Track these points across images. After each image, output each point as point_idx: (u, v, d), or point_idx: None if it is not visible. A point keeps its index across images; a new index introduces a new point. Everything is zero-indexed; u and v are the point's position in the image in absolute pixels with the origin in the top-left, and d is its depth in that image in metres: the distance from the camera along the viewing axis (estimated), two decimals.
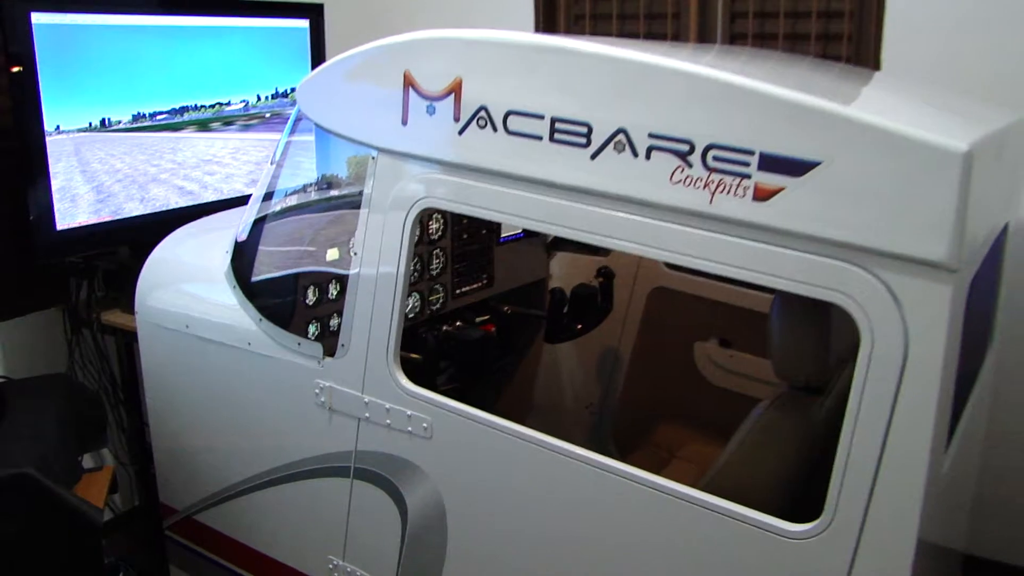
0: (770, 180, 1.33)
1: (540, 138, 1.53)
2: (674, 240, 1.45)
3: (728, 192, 1.37)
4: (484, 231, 2.67)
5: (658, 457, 2.73)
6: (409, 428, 1.85)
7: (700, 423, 2.73)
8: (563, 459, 1.65)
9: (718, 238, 1.41)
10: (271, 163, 2.12)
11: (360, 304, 1.88)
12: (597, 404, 3.06)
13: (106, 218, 2.74)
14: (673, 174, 1.41)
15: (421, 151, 1.71)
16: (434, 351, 2.16)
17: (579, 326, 2.66)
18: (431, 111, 1.66)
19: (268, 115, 3.23)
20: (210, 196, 3.03)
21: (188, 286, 2.36)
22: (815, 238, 1.33)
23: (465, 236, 2.61)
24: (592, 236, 1.54)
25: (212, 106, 3.02)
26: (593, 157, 1.48)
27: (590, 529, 1.69)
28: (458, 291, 2.61)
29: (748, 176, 1.35)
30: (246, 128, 3.15)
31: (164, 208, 2.89)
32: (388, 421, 1.88)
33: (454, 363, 2.23)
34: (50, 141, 2.55)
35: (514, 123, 1.56)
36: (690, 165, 1.39)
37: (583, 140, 1.48)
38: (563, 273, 2.98)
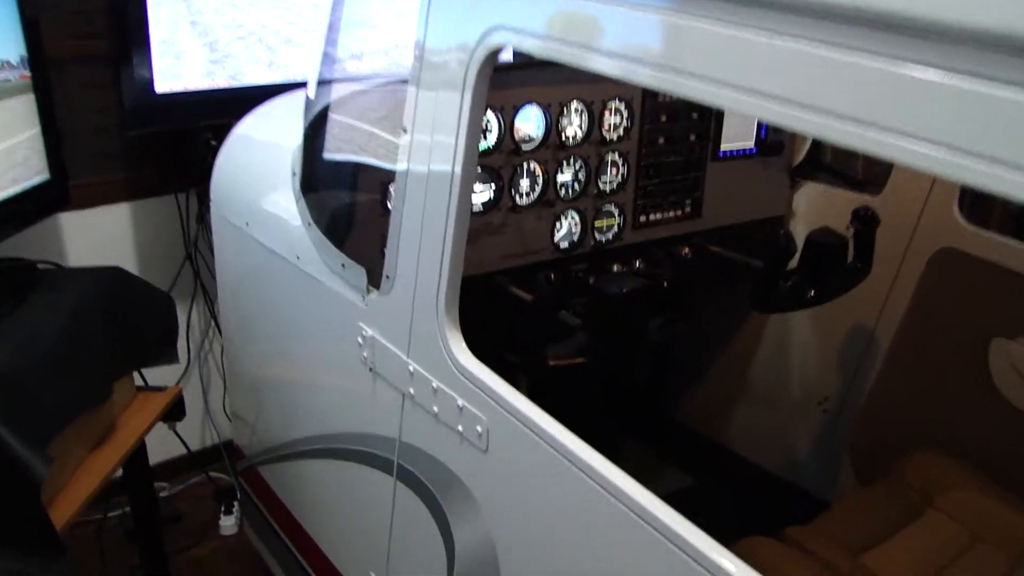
0: None
1: None
2: (979, 129, 0.59)
3: None
4: (694, 136, 1.85)
5: (907, 499, 1.80)
6: (459, 427, 1.13)
7: (980, 459, 1.77)
8: (675, 547, 0.86)
9: None
10: None
11: (409, 212, 1.16)
12: (834, 401, 2.16)
13: (221, 84, 2.21)
14: None
15: None
16: (548, 304, 1.39)
17: (812, 292, 1.79)
18: None
19: None
20: (360, 67, 2.41)
21: (258, 172, 1.75)
22: None
23: (662, 140, 1.81)
24: (780, 112, 0.69)
25: None
26: None
27: None
28: (642, 218, 1.82)
29: None
30: None
31: (298, 79, 2.30)
32: (435, 408, 1.17)
33: (585, 327, 1.45)
34: None
35: None
36: None
37: None
38: (809, 212, 2.09)
